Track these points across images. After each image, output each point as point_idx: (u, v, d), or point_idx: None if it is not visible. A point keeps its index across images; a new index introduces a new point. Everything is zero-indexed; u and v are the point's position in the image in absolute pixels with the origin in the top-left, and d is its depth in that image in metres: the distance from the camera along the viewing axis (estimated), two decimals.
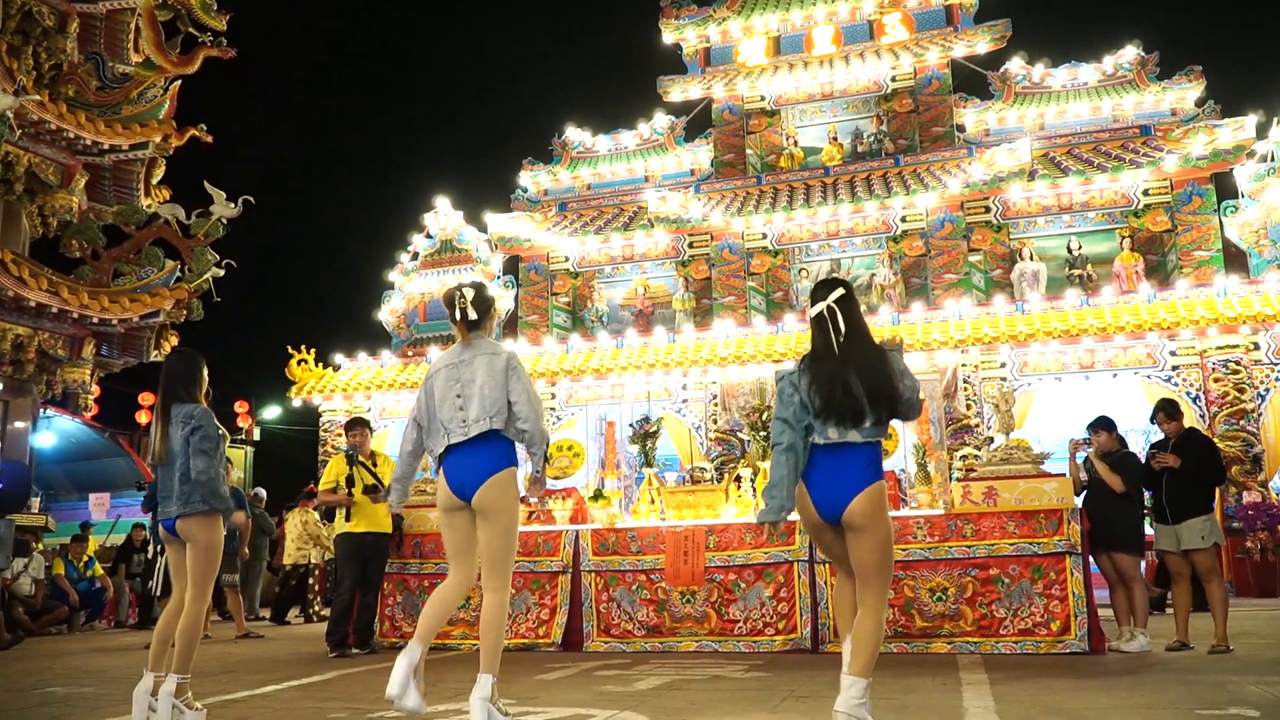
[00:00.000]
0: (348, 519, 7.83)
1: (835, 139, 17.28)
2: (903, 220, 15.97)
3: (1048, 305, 13.95)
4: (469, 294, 4.35)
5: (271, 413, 27.52)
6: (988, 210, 15.75)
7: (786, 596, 7.17)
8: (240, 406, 25.87)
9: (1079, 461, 7.33)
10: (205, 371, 4.90)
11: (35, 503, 13.33)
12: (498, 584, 4.24)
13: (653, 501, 7.99)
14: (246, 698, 5.52)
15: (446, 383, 4.31)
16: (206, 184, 12.98)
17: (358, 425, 8.21)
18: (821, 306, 3.83)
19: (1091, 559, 6.94)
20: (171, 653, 4.66)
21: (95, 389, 22.35)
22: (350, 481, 7.81)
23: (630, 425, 8.43)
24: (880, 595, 3.68)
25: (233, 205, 13.09)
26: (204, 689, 5.93)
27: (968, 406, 13.48)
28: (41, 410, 14.90)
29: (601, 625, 7.57)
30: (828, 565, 7.28)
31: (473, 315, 4.34)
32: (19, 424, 12.66)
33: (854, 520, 3.63)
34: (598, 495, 8.05)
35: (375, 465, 8.03)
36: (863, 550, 3.65)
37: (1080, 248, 15.43)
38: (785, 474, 3.74)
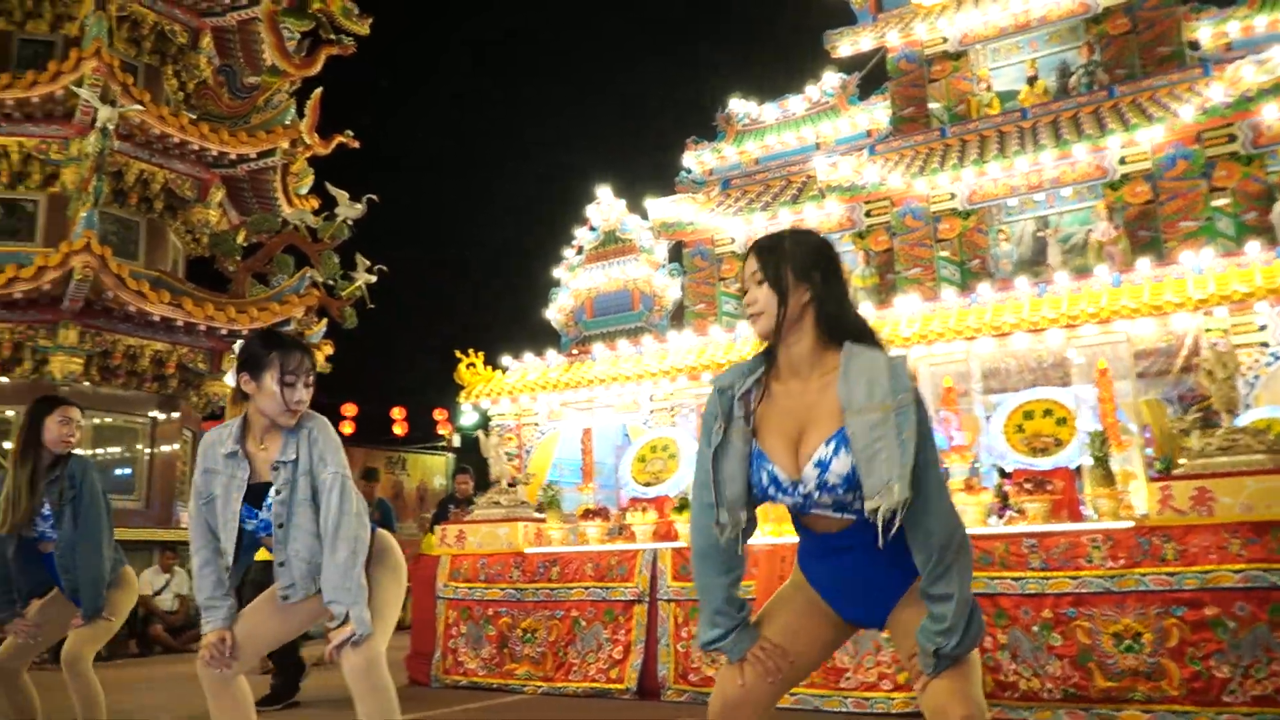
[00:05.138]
0: None
1: (1035, 77, 14.78)
2: (1122, 162, 13.31)
3: None
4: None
5: (470, 418, 27.59)
6: (1233, 140, 12.84)
7: None
8: (439, 414, 26.00)
9: None
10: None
11: (185, 516, 13.31)
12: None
13: None
14: None
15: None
16: (329, 185, 12.51)
17: None
18: None
19: None
20: None
21: None
22: None
23: None
24: None
25: (357, 205, 12.54)
26: None
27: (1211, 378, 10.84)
28: (200, 428, 14.99)
29: (679, 669, 6.05)
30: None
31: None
32: (166, 447, 12.58)
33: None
34: (684, 506, 6.53)
35: None
36: None
37: None
38: None
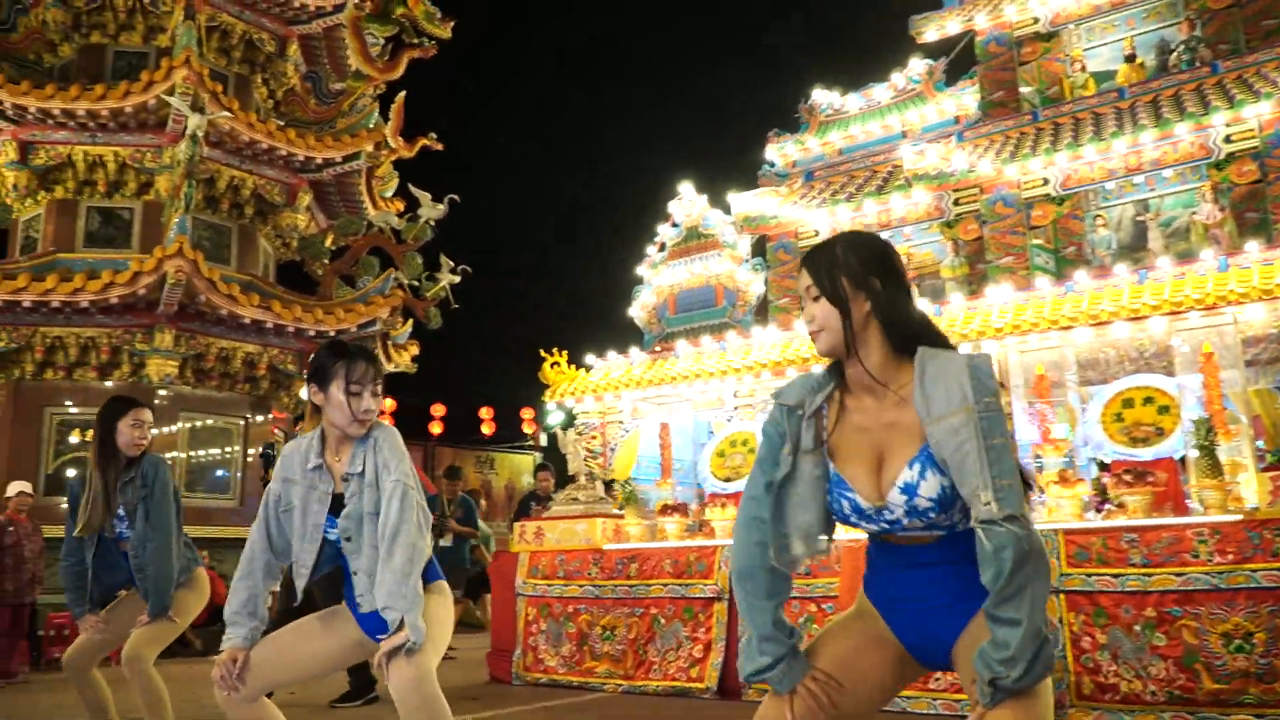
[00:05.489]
0: None
1: (1133, 56, 14.17)
2: (1227, 141, 12.66)
3: None
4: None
5: (557, 417, 27.73)
6: None
7: None
8: (526, 413, 26.18)
9: None
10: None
11: None
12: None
13: None
14: None
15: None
16: (412, 186, 12.66)
17: None
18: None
19: None
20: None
21: (390, 402, 23.47)
22: None
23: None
24: None
25: (439, 206, 12.67)
26: None
27: None
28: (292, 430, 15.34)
29: None
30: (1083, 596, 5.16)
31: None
32: (254, 449, 12.88)
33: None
34: None
35: None
36: None
37: None
38: None
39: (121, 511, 3.96)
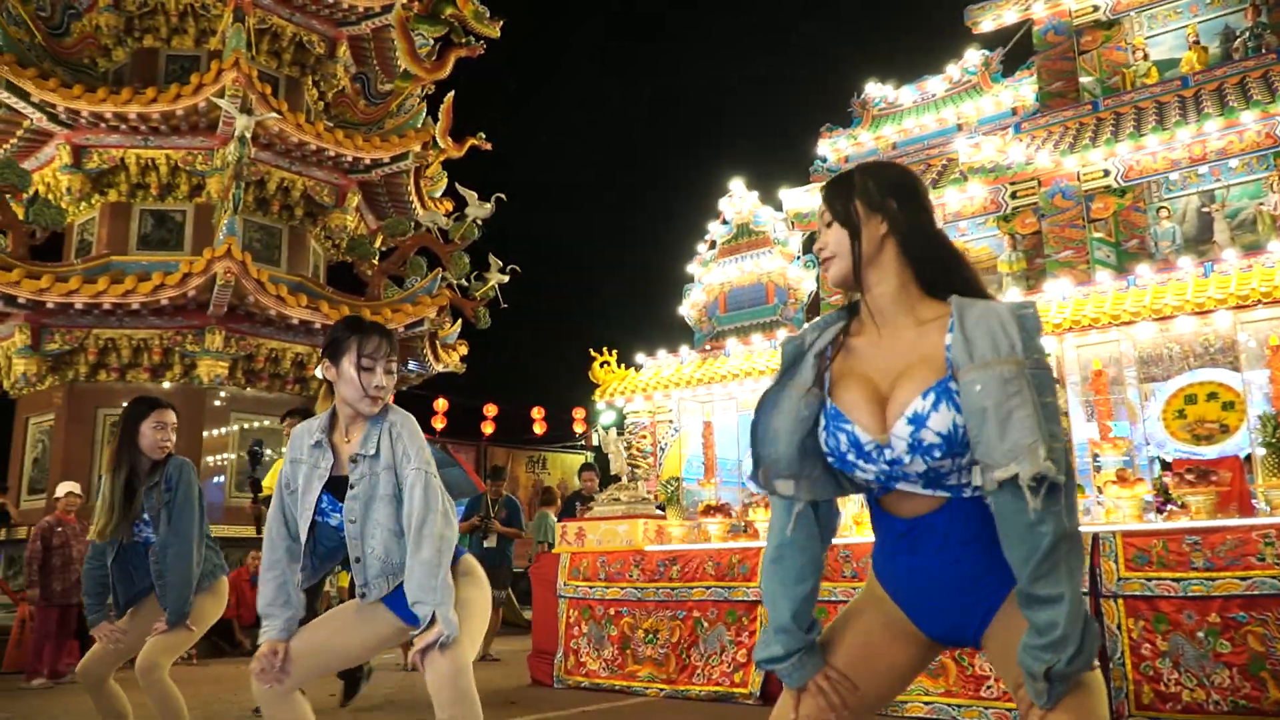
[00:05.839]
0: None
1: (1197, 42, 13.72)
2: None
3: None
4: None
5: (609, 417, 27.67)
6: None
7: None
8: (578, 413, 26.15)
9: None
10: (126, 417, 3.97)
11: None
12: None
13: None
14: None
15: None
16: (459, 186, 12.66)
17: None
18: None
19: None
20: None
21: (442, 402, 23.56)
22: None
23: None
24: None
25: (486, 204, 12.65)
26: None
27: None
28: None
29: None
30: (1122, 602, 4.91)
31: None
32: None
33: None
34: None
35: None
36: None
37: None
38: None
39: (146, 516, 3.87)
